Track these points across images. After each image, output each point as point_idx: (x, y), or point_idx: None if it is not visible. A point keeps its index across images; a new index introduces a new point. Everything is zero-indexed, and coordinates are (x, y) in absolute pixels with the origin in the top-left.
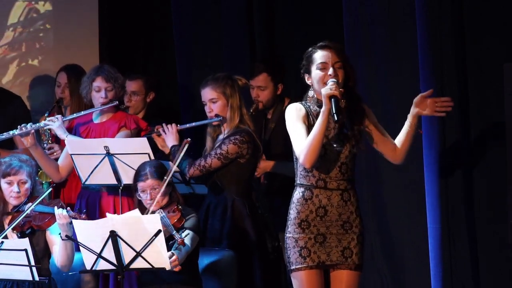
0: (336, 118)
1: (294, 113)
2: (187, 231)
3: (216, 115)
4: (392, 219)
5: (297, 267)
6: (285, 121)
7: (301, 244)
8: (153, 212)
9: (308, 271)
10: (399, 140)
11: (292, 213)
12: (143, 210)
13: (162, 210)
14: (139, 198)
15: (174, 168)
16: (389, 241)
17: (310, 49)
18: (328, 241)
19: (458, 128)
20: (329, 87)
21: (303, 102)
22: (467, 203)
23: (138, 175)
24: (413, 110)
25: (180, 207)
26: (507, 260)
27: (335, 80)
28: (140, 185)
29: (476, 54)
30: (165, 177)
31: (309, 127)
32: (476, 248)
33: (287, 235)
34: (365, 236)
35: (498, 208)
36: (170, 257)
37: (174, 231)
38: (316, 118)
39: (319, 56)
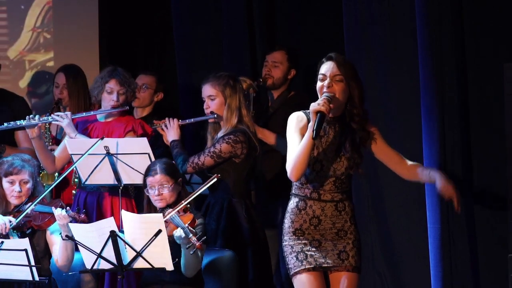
0: (314, 135)
1: (294, 123)
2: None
3: (211, 112)
4: (392, 219)
5: (295, 270)
6: (285, 108)
7: (297, 249)
8: (162, 211)
9: (307, 273)
10: (417, 172)
11: (286, 222)
12: (152, 209)
13: (173, 211)
14: (147, 194)
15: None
16: (389, 241)
17: (322, 59)
18: (324, 246)
19: (458, 128)
20: (317, 102)
21: (308, 111)
22: (467, 203)
23: (148, 170)
24: (437, 185)
25: (189, 206)
26: (506, 260)
27: (328, 95)
28: (149, 180)
29: (476, 54)
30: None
31: None
32: (476, 248)
33: (283, 243)
34: (362, 243)
35: (498, 208)
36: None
37: (191, 234)
38: None
39: (322, 67)
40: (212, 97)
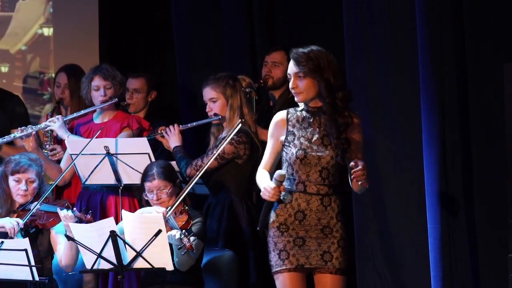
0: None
1: (272, 126)
2: (192, 238)
3: (215, 114)
4: (392, 219)
5: (277, 269)
6: (287, 108)
7: (280, 247)
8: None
9: (287, 274)
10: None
11: (272, 216)
12: None
13: (169, 212)
14: (146, 198)
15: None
16: (389, 241)
17: None
18: (307, 245)
19: (458, 128)
20: (268, 190)
21: (292, 108)
22: (467, 203)
23: (146, 175)
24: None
25: (187, 208)
26: (506, 260)
27: (277, 181)
28: (147, 185)
29: (476, 54)
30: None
31: (287, 133)
32: (476, 248)
33: (268, 238)
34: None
35: (498, 208)
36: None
37: (183, 235)
38: (300, 121)
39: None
40: (213, 99)
